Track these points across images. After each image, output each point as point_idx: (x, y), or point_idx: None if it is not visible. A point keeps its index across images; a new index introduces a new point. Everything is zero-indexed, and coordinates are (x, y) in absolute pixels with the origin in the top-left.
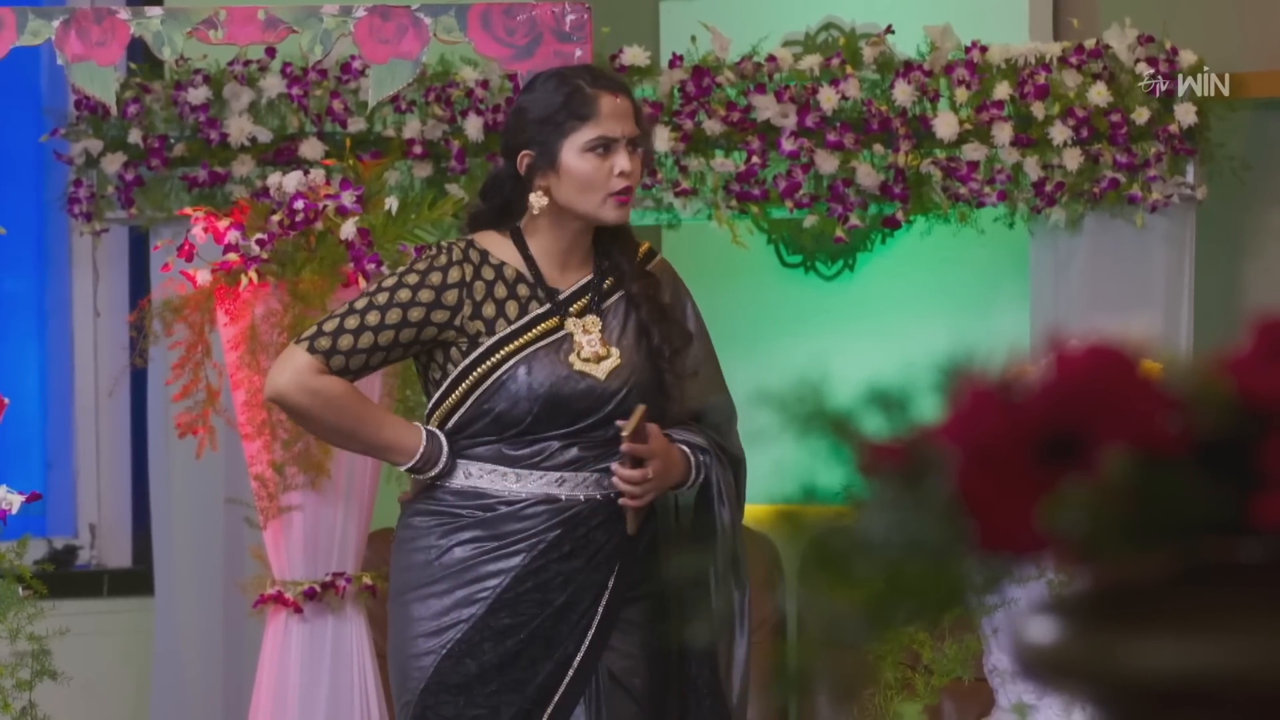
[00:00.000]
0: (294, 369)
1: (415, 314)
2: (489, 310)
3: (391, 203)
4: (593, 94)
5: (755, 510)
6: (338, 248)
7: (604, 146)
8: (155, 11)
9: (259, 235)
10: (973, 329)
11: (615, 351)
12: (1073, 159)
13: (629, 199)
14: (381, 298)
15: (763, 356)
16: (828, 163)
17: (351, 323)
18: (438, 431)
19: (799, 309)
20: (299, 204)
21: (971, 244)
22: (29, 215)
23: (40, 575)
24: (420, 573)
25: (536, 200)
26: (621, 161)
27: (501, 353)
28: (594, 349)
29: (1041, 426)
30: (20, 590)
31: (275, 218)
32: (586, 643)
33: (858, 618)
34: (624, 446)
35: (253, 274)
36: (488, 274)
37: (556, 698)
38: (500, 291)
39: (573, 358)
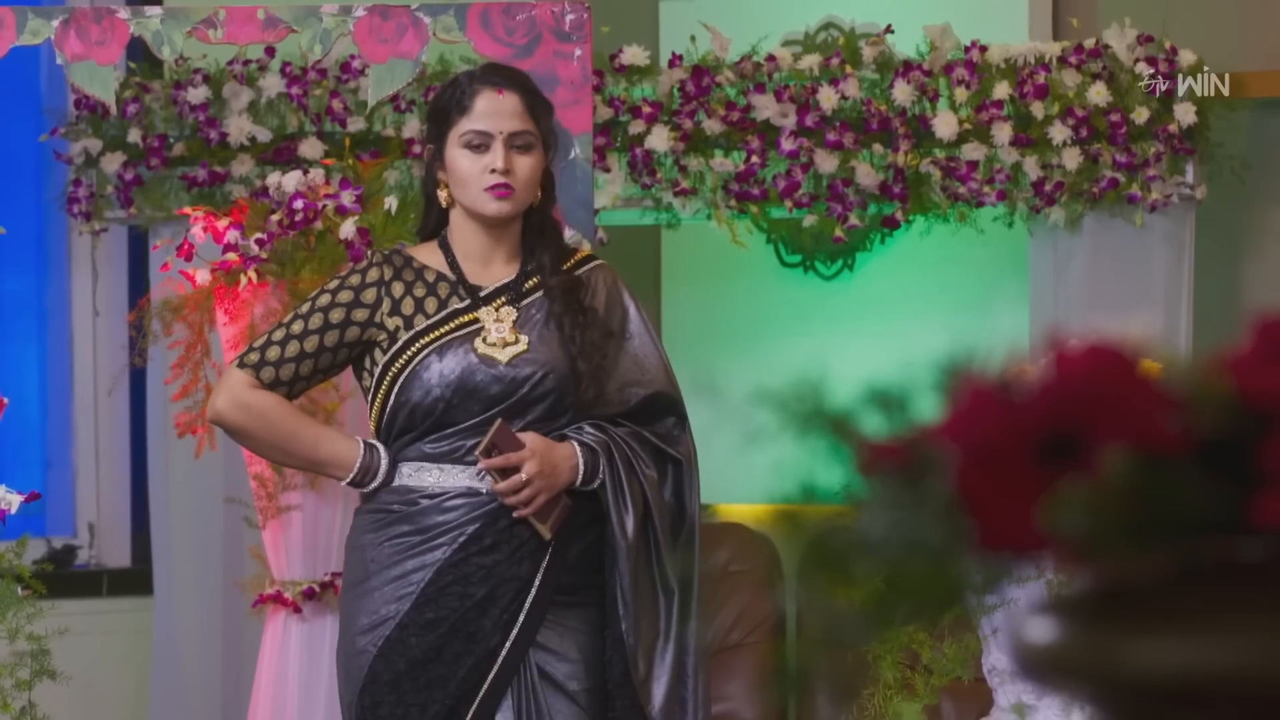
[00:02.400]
0: (227, 387)
1: (336, 315)
2: (408, 307)
3: (391, 202)
4: (473, 89)
5: (755, 510)
6: (337, 247)
7: (480, 143)
8: (155, 11)
9: (258, 235)
10: (972, 328)
11: (524, 339)
12: (1072, 159)
13: (507, 193)
14: (305, 307)
15: (762, 356)
16: (827, 162)
17: (279, 335)
18: (377, 444)
19: (798, 309)
20: (298, 203)
21: (971, 243)
22: (28, 215)
23: (39, 575)
24: (358, 570)
25: (442, 196)
26: (494, 158)
27: (416, 345)
28: (501, 335)
29: (1041, 426)
30: (19, 590)
31: (274, 217)
32: (511, 638)
33: (857, 617)
34: (479, 466)
35: (252, 273)
36: (408, 275)
37: (481, 693)
38: (420, 290)
39: (478, 341)
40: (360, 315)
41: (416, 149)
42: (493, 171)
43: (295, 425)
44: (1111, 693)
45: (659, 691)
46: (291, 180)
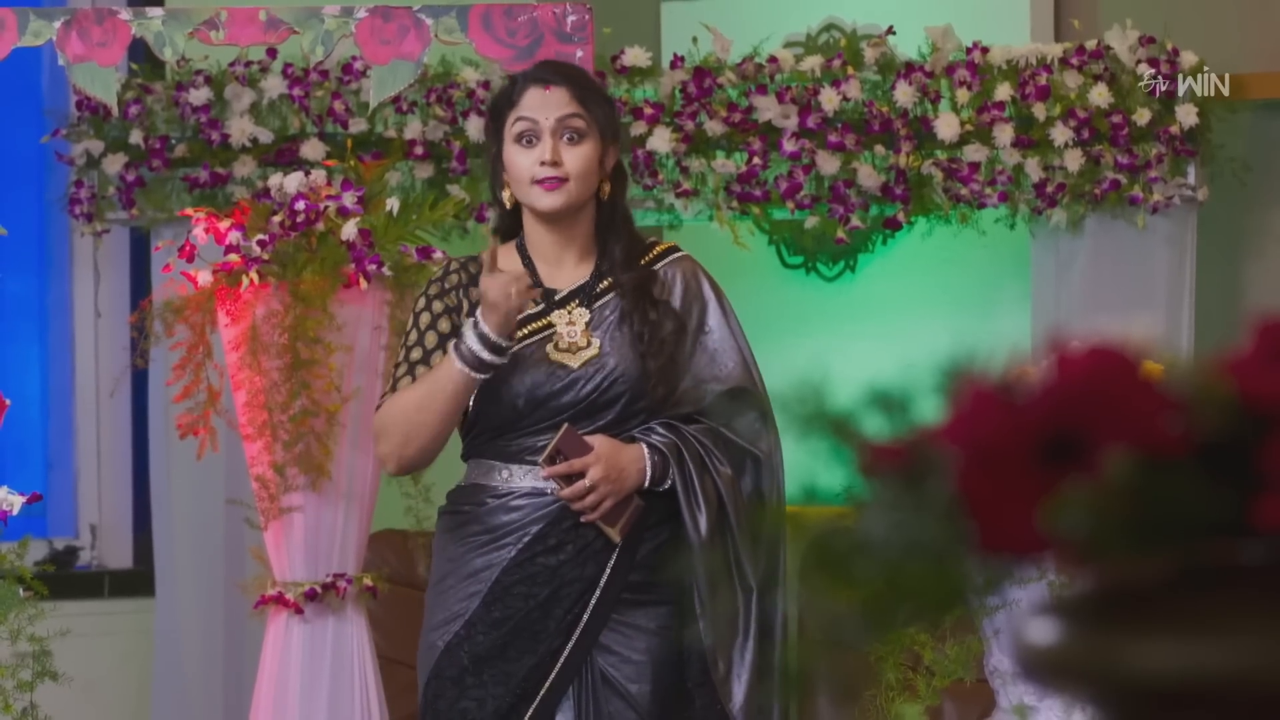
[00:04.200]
0: (374, 429)
1: (443, 325)
2: None
3: (393, 203)
4: (523, 85)
5: None
6: (339, 249)
7: (529, 135)
8: (156, 12)
9: (260, 236)
10: (974, 330)
11: (595, 342)
12: (1074, 160)
13: (557, 185)
14: (413, 335)
15: (764, 357)
16: (829, 164)
17: (401, 370)
18: (468, 337)
19: (800, 310)
20: (300, 205)
21: (972, 245)
22: (30, 216)
23: (41, 576)
24: (438, 569)
25: (506, 197)
26: (543, 150)
27: None
28: (573, 340)
29: (1043, 427)
30: (21, 591)
31: (276, 218)
32: (574, 639)
33: (858, 619)
34: (543, 474)
35: (254, 275)
36: None
37: (542, 692)
38: None
39: (550, 347)
40: (457, 320)
41: (418, 150)
42: (542, 164)
43: (413, 387)
44: (1113, 694)
45: (739, 690)
46: (293, 181)
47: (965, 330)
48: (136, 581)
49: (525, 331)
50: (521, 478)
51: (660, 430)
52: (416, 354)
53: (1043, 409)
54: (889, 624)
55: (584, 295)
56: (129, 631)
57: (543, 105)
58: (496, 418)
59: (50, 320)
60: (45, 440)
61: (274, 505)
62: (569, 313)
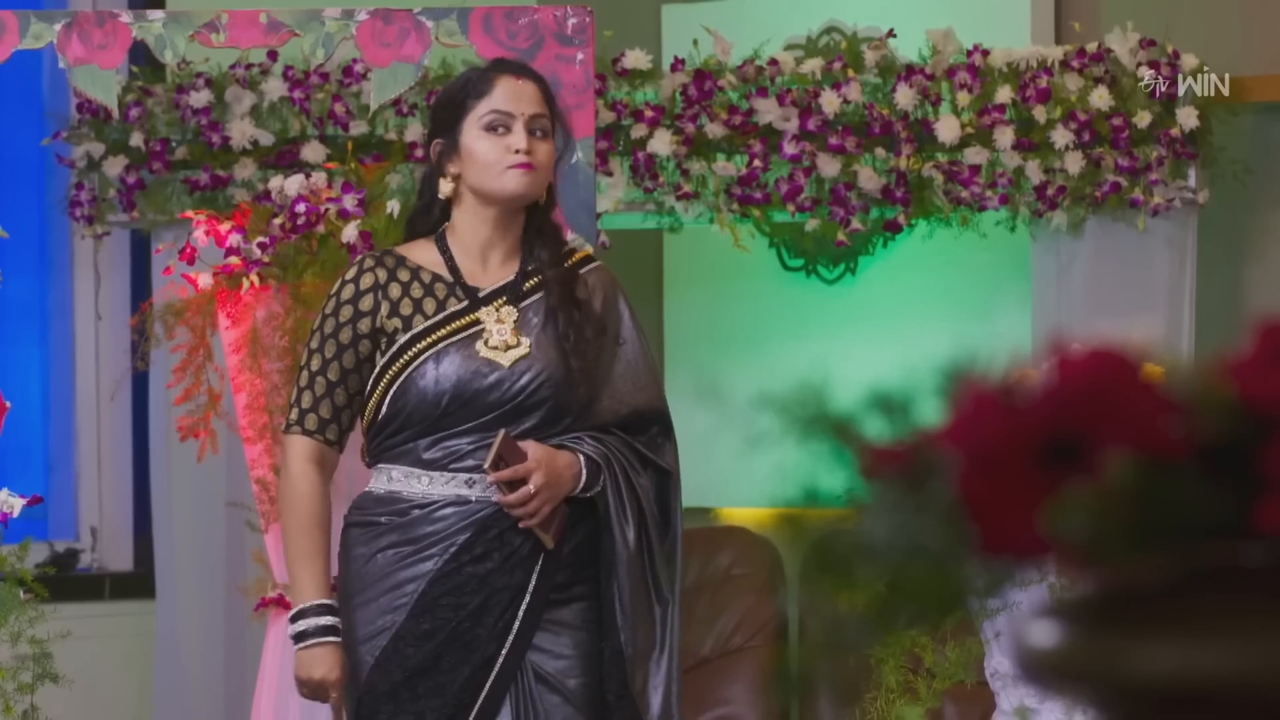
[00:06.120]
0: (284, 462)
1: (345, 335)
2: (406, 308)
3: (393, 206)
4: (491, 75)
5: (757, 513)
6: (339, 251)
7: (501, 125)
8: (157, 15)
9: (260, 238)
10: (974, 333)
11: (525, 341)
12: (1074, 162)
13: (530, 169)
14: (315, 341)
15: (764, 360)
16: (829, 166)
17: (304, 380)
18: (329, 604)
19: (801, 312)
20: (300, 207)
21: (973, 247)
22: (31, 218)
23: (42, 578)
24: (353, 581)
25: (445, 185)
26: (517, 139)
27: (414, 350)
28: (503, 338)
29: (1043, 430)
30: (22, 593)
31: (277, 221)
32: (507, 645)
33: (859, 621)
34: (489, 479)
35: (254, 277)
36: (403, 275)
37: (480, 700)
38: (417, 291)
39: (479, 344)
40: (365, 326)
41: (419, 153)
42: (516, 151)
43: (295, 526)
44: (1114, 697)
45: (656, 700)
46: (294, 184)
47: (966, 333)
48: (137, 584)
49: (451, 328)
50: (444, 485)
51: (588, 439)
52: (316, 363)
53: (1043, 412)
54: (890, 626)
55: (511, 293)
56: (130, 634)
57: (516, 97)
58: (417, 415)
59: (51, 323)
60: (46, 443)
61: (274, 508)
62: (497, 310)
